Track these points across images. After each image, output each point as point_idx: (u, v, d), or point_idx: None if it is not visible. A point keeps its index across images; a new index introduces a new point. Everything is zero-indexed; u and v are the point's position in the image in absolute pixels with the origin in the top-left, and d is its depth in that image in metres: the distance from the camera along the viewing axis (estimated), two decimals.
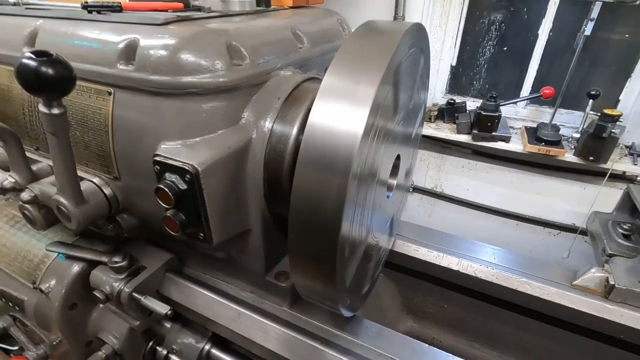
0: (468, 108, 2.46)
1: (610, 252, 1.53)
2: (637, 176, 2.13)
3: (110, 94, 0.86)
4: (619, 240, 1.56)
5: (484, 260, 1.25)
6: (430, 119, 2.59)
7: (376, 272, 1.14)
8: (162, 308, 0.98)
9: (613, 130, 1.90)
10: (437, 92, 2.79)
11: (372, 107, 0.60)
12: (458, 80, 2.73)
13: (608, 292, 1.09)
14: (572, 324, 1.16)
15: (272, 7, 1.35)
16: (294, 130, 0.84)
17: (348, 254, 0.73)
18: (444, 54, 2.63)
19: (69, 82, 0.68)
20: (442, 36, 2.57)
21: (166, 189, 0.75)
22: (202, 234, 0.83)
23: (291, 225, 0.67)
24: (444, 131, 2.49)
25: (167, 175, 0.77)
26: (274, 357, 0.98)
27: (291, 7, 1.42)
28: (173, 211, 0.79)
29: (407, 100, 0.86)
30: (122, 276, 1.04)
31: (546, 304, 1.15)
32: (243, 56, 0.85)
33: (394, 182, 1.00)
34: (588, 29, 1.94)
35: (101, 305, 1.17)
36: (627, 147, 2.22)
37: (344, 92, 0.63)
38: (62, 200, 0.87)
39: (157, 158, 0.78)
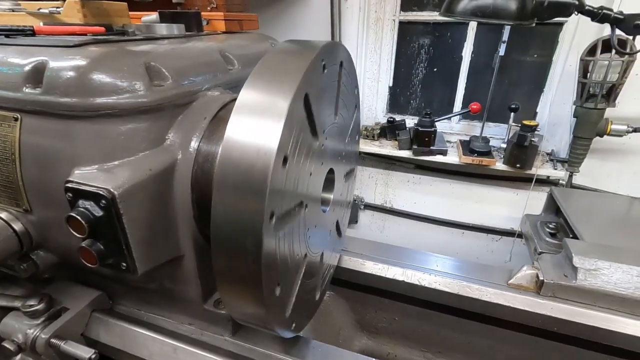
0: (407, 125, 2.60)
1: (540, 250, 1.65)
2: (559, 179, 2.35)
3: (16, 119, 0.79)
4: (547, 239, 1.69)
5: (427, 268, 1.28)
6: (373, 137, 2.70)
7: (321, 289, 1.12)
8: (85, 352, 0.88)
9: (533, 139, 2.10)
10: (378, 112, 2.92)
11: (286, 121, 0.60)
12: (397, 100, 2.89)
13: (539, 287, 1.15)
14: (512, 322, 1.21)
15: (204, 32, 1.36)
16: (221, 149, 0.82)
17: (279, 272, 0.71)
18: (381, 76, 2.79)
19: None
20: (378, 59, 2.73)
21: (78, 217, 0.69)
22: (124, 264, 0.77)
23: (214, 247, 0.64)
24: (387, 148, 2.59)
25: (81, 202, 0.71)
26: None
27: (224, 32, 1.44)
28: (89, 241, 0.73)
29: (331, 115, 0.88)
30: (39, 321, 0.93)
31: (486, 305, 1.19)
32: (164, 77, 0.83)
33: (329, 196, 1.01)
34: (502, 50, 2.19)
35: (15, 358, 1.03)
36: (547, 154, 2.45)
37: (258, 106, 0.63)
38: None
39: (69, 185, 0.72)
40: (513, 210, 2.59)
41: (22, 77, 0.76)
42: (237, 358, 0.96)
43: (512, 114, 2.26)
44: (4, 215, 0.87)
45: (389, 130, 2.63)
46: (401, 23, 2.62)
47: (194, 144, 0.83)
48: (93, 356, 0.88)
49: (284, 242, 0.71)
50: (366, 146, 2.63)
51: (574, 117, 2.03)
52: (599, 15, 1.37)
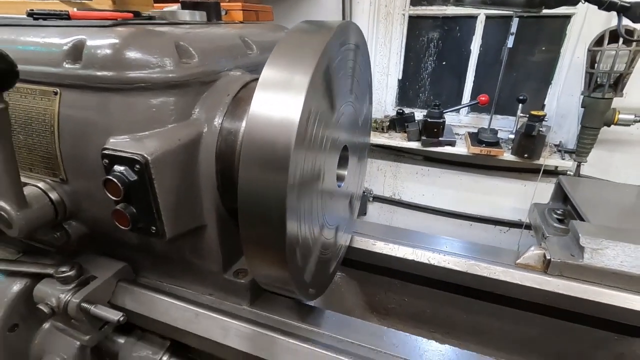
0: (416, 118, 2.64)
1: (547, 235, 1.68)
2: (566, 170, 2.37)
3: (56, 93, 0.85)
4: (555, 225, 1.72)
5: (437, 249, 1.32)
6: (383, 129, 2.74)
7: (335, 263, 1.16)
8: (114, 315, 0.94)
9: (541, 129, 2.13)
10: (387, 105, 2.97)
11: (306, 95, 0.64)
12: (406, 93, 2.94)
13: (546, 266, 1.18)
14: (520, 300, 1.24)
15: (223, 21, 1.42)
16: (244, 123, 0.87)
17: (299, 240, 0.75)
18: (390, 69, 2.84)
19: (10, 75, 0.69)
20: (388, 53, 2.78)
21: (115, 180, 0.75)
22: (154, 228, 0.82)
23: (241, 214, 0.69)
24: (396, 140, 2.64)
25: (116, 167, 0.77)
26: (235, 357, 0.97)
27: (242, 22, 1.50)
28: (123, 204, 0.79)
29: (347, 93, 0.93)
30: (70, 287, 0.99)
31: (494, 283, 1.22)
32: (191, 55, 0.89)
33: (343, 172, 1.06)
34: (510, 42, 2.22)
35: (46, 325, 1.10)
36: (555, 145, 2.48)
37: (280, 82, 0.67)
38: (2, 204, 0.84)
39: (105, 151, 0.78)
40: (521, 202, 2.61)
41: (62, 54, 0.83)
42: (255, 324, 1.00)
43: (520, 105, 2.29)
44: (41, 184, 0.94)
45: (398, 123, 2.67)
46: (411, 17, 2.67)
47: (218, 119, 0.88)
48: (121, 318, 0.94)
49: (305, 211, 0.76)
50: (375, 138, 2.67)
51: (581, 107, 2.05)
52: (605, 4, 1.40)
